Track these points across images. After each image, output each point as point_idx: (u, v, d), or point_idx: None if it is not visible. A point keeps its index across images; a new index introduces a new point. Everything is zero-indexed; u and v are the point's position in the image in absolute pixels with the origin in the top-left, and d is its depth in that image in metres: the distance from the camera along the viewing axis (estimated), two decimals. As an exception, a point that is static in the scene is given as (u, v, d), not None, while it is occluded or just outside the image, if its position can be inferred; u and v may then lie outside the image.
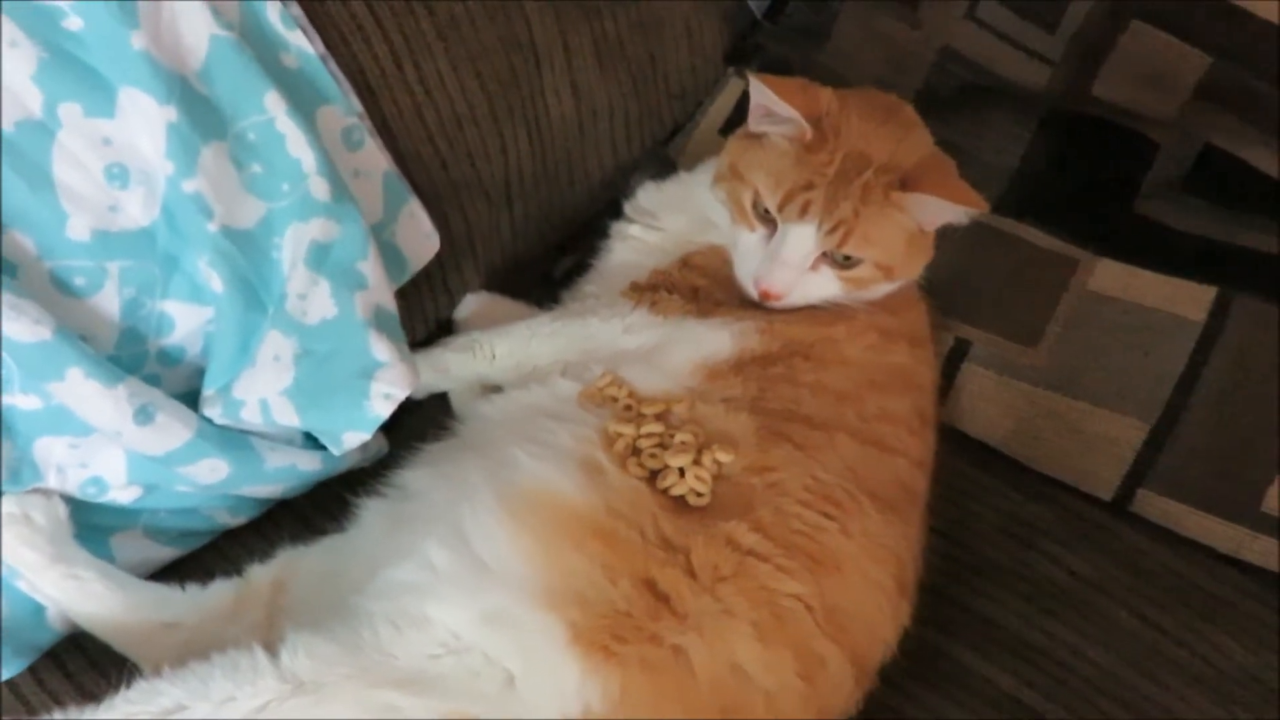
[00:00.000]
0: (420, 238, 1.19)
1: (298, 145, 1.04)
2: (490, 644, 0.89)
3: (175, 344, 1.06)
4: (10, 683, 1.00)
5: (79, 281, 1.01)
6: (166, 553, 1.09)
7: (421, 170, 1.21)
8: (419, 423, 1.15)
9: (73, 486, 1.02)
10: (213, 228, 1.01)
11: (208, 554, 1.11)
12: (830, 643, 0.95)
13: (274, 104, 1.04)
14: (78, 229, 1.00)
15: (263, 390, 1.05)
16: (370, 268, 1.07)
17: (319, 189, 1.05)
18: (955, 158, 1.13)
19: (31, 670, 1.01)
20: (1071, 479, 1.24)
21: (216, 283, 1.03)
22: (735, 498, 0.97)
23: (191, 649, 0.95)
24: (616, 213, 1.27)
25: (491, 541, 0.93)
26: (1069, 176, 1.35)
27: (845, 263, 1.10)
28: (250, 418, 1.05)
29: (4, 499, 0.99)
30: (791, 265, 1.09)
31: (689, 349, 1.09)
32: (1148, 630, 1.13)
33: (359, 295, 1.06)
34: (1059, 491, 1.24)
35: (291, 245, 1.04)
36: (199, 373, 1.07)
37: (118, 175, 1.00)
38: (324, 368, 1.05)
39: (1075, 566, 1.17)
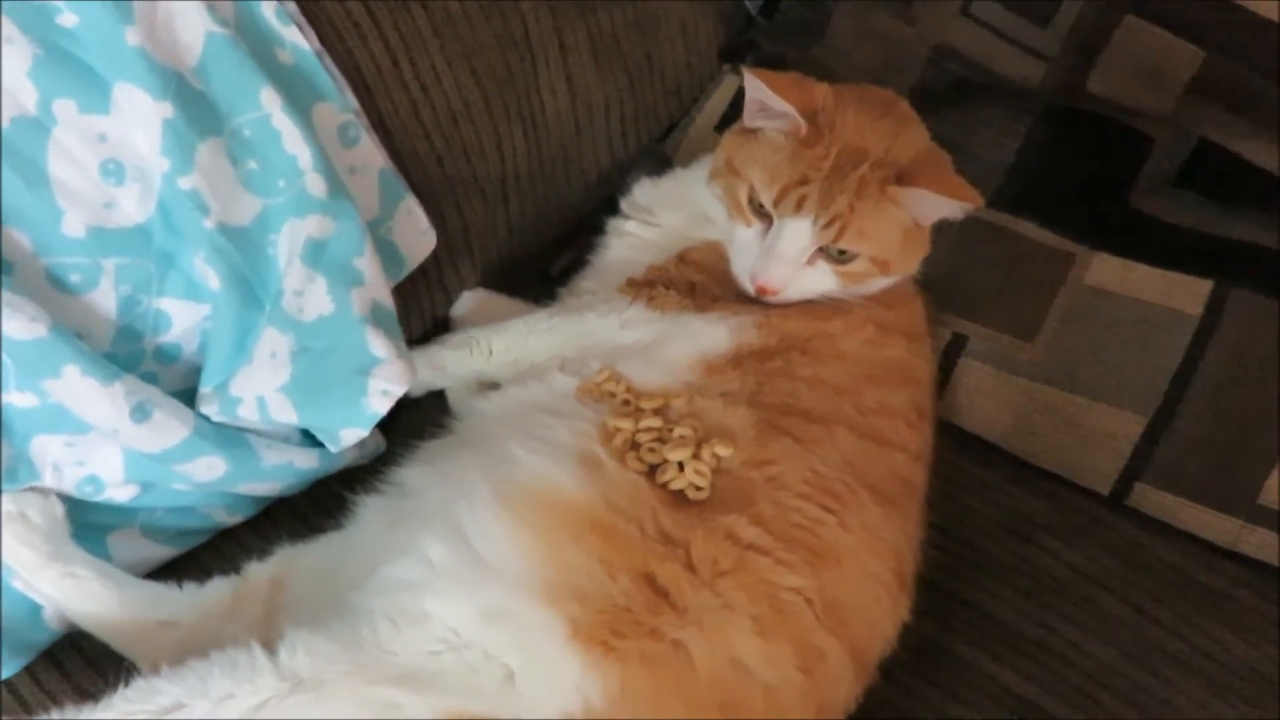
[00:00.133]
0: (417, 234, 1.19)
1: (293, 142, 1.04)
2: (489, 640, 0.89)
3: (172, 341, 1.06)
4: (8, 683, 1.00)
5: (75, 278, 1.00)
6: (164, 551, 1.09)
7: (418, 167, 1.21)
8: (416, 420, 1.15)
9: (69, 485, 1.02)
10: (209, 224, 1.01)
11: (205, 553, 1.11)
12: (830, 636, 0.95)
13: (270, 100, 1.04)
14: (73, 225, 1.00)
15: (260, 387, 1.04)
16: (367, 264, 1.07)
17: (315, 185, 1.05)
18: (951, 153, 1.13)
19: (29, 670, 1.01)
20: (1069, 473, 1.24)
21: (213, 280, 1.03)
22: (734, 492, 0.97)
23: (190, 647, 0.95)
24: (613, 209, 1.27)
25: (490, 537, 0.92)
26: (1064, 171, 1.35)
27: (841, 257, 1.10)
28: (247, 415, 1.05)
29: (1, 498, 0.99)
30: (787, 260, 1.09)
31: (686, 344, 1.09)
32: (1146, 624, 1.14)
33: (356, 292, 1.06)
34: (1057, 486, 1.24)
35: (288, 242, 1.04)
36: (196, 370, 1.07)
37: (113, 172, 1.00)
38: (321, 364, 1.05)
39: (1073, 561, 1.18)
